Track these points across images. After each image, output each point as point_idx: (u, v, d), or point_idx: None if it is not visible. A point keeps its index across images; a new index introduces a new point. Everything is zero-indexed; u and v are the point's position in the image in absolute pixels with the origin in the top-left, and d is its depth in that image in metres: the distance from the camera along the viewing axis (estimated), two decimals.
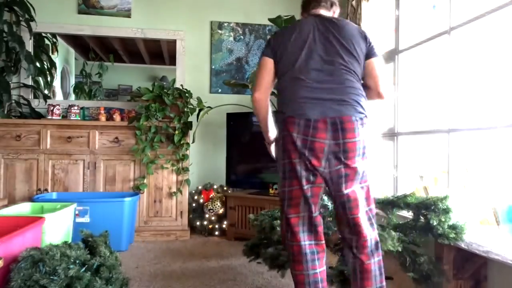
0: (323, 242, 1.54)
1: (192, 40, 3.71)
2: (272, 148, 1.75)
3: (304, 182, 1.47)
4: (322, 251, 1.52)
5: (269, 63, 1.62)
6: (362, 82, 1.59)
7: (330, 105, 1.45)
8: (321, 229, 1.53)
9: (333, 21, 1.59)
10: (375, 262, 1.46)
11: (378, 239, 1.50)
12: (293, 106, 1.48)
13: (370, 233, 1.47)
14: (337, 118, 1.44)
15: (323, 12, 1.69)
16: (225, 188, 3.51)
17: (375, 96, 1.64)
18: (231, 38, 3.78)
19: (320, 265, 1.49)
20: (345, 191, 1.46)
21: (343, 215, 1.48)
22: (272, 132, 1.72)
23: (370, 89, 1.61)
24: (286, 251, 1.61)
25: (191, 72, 3.71)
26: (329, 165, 1.46)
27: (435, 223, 1.71)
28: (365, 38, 1.60)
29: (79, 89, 3.81)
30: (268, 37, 3.83)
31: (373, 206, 1.54)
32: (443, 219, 1.71)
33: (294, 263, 1.49)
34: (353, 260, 1.47)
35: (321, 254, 1.52)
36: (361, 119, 1.51)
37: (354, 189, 1.48)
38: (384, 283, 1.45)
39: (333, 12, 1.74)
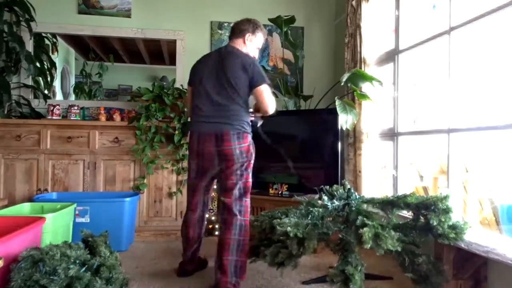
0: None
1: (192, 40, 3.71)
2: None
3: (194, 175, 2.23)
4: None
5: (189, 90, 2.33)
6: (248, 107, 2.16)
7: (215, 125, 2.08)
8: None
9: (226, 60, 2.12)
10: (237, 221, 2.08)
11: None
12: (194, 125, 2.17)
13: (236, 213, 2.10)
14: (218, 132, 2.06)
15: (235, 41, 2.23)
16: None
17: (263, 112, 2.17)
18: None
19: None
20: (228, 183, 2.09)
21: (220, 196, 2.15)
22: None
23: (260, 108, 2.16)
24: (285, 249, 1.84)
25: None
26: (217, 164, 2.10)
27: (435, 223, 1.70)
28: (247, 72, 2.07)
29: (79, 89, 3.81)
30: (268, 37, 3.83)
31: (246, 197, 2.14)
32: (443, 219, 1.70)
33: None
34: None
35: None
36: (238, 133, 2.06)
37: (233, 182, 2.09)
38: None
39: (244, 37, 2.22)
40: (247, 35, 2.22)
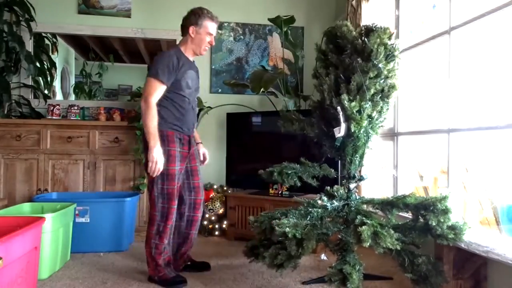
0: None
1: None
2: None
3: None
4: None
5: None
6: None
7: None
8: None
9: None
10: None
11: None
12: None
13: None
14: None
15: (181, 41, 2.36)
16: (225, 188, 3.51)
17: None
18: (231, 38, 3.78)
19: None
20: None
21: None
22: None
23: None
24: (285, 251, 1.81)
25: None
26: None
27: (434, 224, 1.70)
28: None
29: (79, 89, 3.81)
30: (268, 37, 3.83)
31: None
32: (442, 220, 1.70)
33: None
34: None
35: None
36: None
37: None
38: None
39: (189, 33, 2.31)
40: (191, 29, 2.27)
